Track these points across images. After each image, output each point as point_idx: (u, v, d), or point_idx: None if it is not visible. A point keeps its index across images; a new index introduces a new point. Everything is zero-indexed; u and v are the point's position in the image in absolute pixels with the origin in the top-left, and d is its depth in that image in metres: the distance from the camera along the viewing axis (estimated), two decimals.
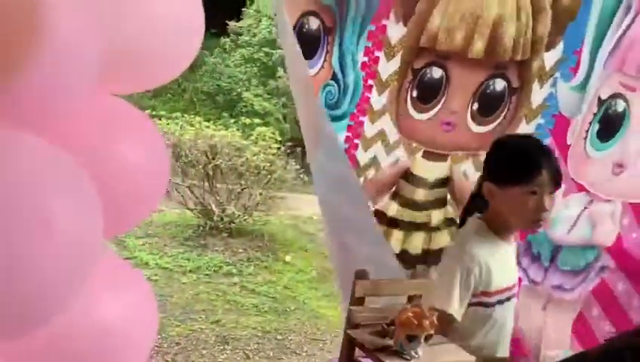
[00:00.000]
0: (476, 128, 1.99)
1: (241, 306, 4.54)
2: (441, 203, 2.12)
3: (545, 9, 1.86)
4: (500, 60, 1.88)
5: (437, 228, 2.12)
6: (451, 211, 2.14)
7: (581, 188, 2.13)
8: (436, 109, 1.95)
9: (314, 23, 1.83)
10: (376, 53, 1.84)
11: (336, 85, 1.92)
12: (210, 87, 10.51)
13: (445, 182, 2.10)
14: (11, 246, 0.74)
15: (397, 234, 2.14)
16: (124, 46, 0.96)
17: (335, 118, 1.97)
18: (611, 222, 2.18)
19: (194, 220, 6.24)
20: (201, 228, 6.06)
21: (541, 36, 1.90)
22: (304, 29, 1.83)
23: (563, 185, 2.04)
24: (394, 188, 2.11)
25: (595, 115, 2.01)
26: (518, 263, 1.89)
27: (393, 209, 2.11)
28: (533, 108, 1.97)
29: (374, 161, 2.04)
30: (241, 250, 5.74)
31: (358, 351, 1.33)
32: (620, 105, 2.01)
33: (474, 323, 1.55)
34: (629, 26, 1.92)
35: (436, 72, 1.89)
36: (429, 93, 1.93)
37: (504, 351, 1.63)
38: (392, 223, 2.13)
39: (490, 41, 1.83)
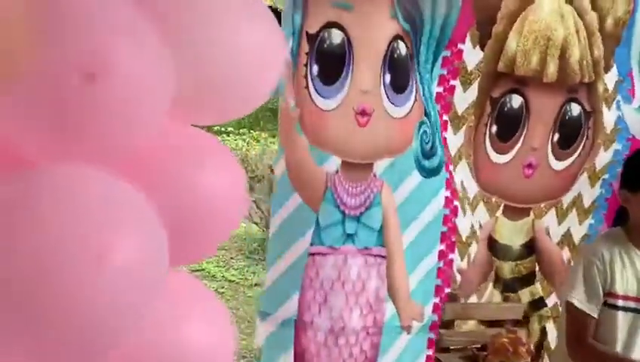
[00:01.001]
0: (557, 165, 1.93)
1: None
2: (529, 280, 1.98)
3: (595, 32, 1.86)
4: (571, 84, 1.86)
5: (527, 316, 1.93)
6: (539, 289, 1.99)
7: None
8: (517, 148, 1.86)
9: (402, 48, 1.69)
10: (452, 82, 1.76)
11: (428, 123, 1.76)
12: (275, 104, 10.70)
13: (530, 248, 1.97)
14: (65, 282, 0.77)
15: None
16: (204, 77, 0.94)
17: (430, 173, 1.78)
18: None
19: (259, 234, 6.37)
20: (266, 241, 6.16)
21: (598, 58, 1.88)
22: (394, 55, 1.68)
23: None
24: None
25: None
26: None
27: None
28: (607, 133, 1.96)
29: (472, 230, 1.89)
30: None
31: None
32: None
33: (606, 325, 1.56)
34: None
35: (516, 101, 1.84)
36: (509, 127, 1.86)
37: None
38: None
39: (561, 63, 1.80)
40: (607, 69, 1.92)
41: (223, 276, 5.38)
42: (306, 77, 1.63)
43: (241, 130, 7.12)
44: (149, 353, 0.95)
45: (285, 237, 1.70)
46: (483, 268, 1.91)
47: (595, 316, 1.55)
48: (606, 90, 1.94)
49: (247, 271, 5.53)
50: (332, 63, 1.65)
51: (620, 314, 1.57)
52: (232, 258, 5.88)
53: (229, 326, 1.15)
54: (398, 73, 1.71)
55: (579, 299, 1.54)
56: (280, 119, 1.68)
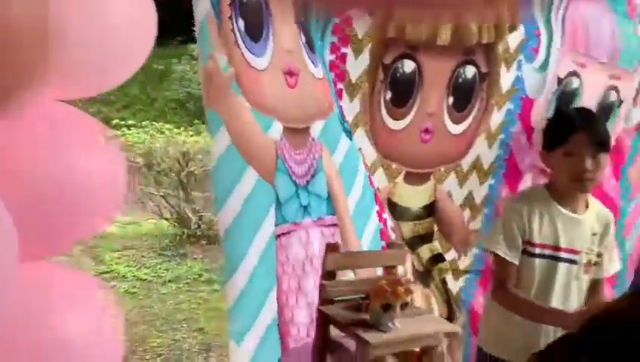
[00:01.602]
0: (454, 128, 1.91)
1: (224, 313, 4.49)
2: (428, 238, 2.00)
3: None
4: (467, 45, 1.83)
5: (429, 271, 2.01)
6: (438, 246, 2.02)
7: (543, 172, 2.14)
8: (412, 113, 1.83)
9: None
10: (343, 50, 1.69)
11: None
12: (181, 95, 10.42)
13: (430, 210, 1.97)
14: None
15: (419, 291, 1.95)
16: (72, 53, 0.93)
17: (351, 135, 1.75)
18: None
19: (171, 230, 6.16)
20: (179, 237, 6.00)
21: (502, 18, 1.86)
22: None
23: (530, 174, 2.07)
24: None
25: (553, 94, 2.04)
26: None
27: None
28: (502, 94, 1.95)
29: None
30: (225, 282, 5.66)
31: (333, 329, 1.26)
32: (575, 83, 2.06)
33: (525, 271, 1.75)
34: (566, 7, 1.97)
35: (408, 66, 1.79)
36: (403, 93, 1.81)
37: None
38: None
39: (457, 25, 1.77)
40: (512, 29, 1.91)
41: (134, 276, 5.19)
42: (233, 31, 1.42)
43: (143, 123, 6.83)
44: (20, 342, 0.90)
45: (244, 227, 1.47)
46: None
47: (516, 263, 1.74)
48: (507, 50, 1.93)
49: (159, 269, 5.36)
50: (254, 18, 1.48)
51: (537, 260, 1.75)
52: (143, 256, 5.68)
53: (108, 315, 1.06)
54: (309, 37, 1.63)
55: (501, 249, 1.75)
56: (206, 84, 1.40)
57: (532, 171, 2.09)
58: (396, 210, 1.92)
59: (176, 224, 6.07)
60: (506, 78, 1.95)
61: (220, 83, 1.38)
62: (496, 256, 1.78)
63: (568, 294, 1.77)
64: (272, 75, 1.52)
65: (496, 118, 1.97)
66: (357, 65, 1.73)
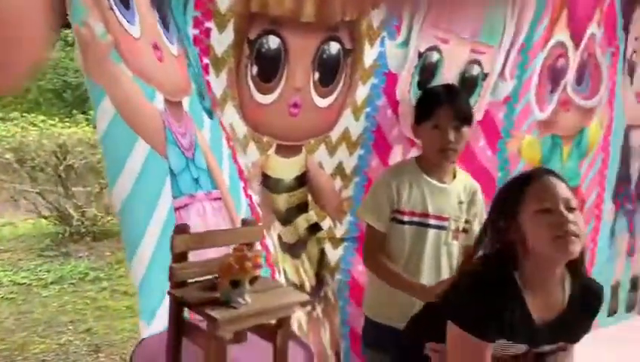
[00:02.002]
0: (321, 102, 1.97)
1: (114, 311, 4.33)
2: (303, 208, 2.05)
3: None
4: (330, 22, 1.89)
5: (303, 243, 2.06)
6: (314, 216, 2.08)
7: (412, 143, 2.25)
8: (280, 88, 1.86)
9: None
10: (207, 24, 1.67)
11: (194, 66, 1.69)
12: (56, 84, 9.73)
13: (302, 180, 2.02)
14: None
15: (289, 262, 2.01)
16: None
17: (210, 114, 1.72)
18: None
19: (50, 228, 5.80)
20: (60, 235, 5.66)
21: None
22: None
23: (400, 146, 2.18)
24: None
25: (415, 67, 2.16)
26: None
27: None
28: (366, 69, 2.04)
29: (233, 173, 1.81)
30: (108, 253, 5.45)
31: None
32: (435, 57, 2.19)
33: (396, 237, 1.86)
34: None
35: (273, 42, 1.81)
36: (270, 68, 1.83)
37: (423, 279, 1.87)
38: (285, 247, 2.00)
39: (319, 2, 1.81)
40: (376, 5, 1.98)
41: (10, 280, 4.83)
42: None
43: (11, 115, 6.32)
44: None
45: (140, 200, 1.39)
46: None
47: (383, 231, 1.87)
48: (370, 27, 2.01)
49: (40, 271, 5.02)
50: None
51: (407, 227, 1.86)
52: (20, 259, 5.30)
53: None
54: (163, 13, 1.57)
55: (370, 218, 1.88)
56: (82, 53, 1.28)
57: (401, 143, 2.21)
58: (270, 182, 1.95)
59: (56, 222, 5.72)
60: (369, 54, 2.04)
61: (98, 51, 1.30)
62: (368, 225, 1.90)
63: (439, 258, 1.88)
64: (146, 44, 1.47)
65: (362, 92, 2.06)
66: (222, 40, 1.73)
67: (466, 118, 1.87)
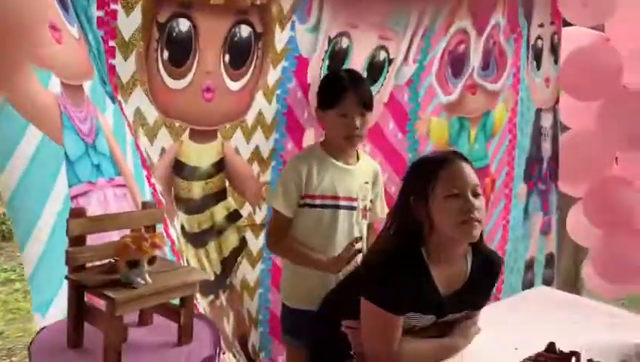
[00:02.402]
0: (233, 85, 1.97)
1: (28, 312, 4.14)
2: (221, 195, 2.04)
3: None
4: (241, 5, 1.91)
5: (222, 231, 2.05)
6: (233, 203, 2.08)
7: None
8: (192, 72, 1.84)
9: None
10: (113, 6, 1.63)
11: (94, 49, 1.64)
12: None
13: (219, 166, 2.00)
14: None
15: (191, 253, 1.96)
16: None
17: (113, 99, 1.66)
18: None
19: None
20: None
21: None
22: None
23: (313, 128, 2.22)
24: (173, 191, 1.88)
25: (326, 52, 2.22)
26: None
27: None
28: (277, 53, 2.08)
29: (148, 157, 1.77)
30: (19, 254, 5.17)
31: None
32: (345, 42, 2.26)
33: (310, 221, 1.90)
34: None
35: (183, 25, 1.80)
36: (180, 52, 1.81)
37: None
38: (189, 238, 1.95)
39: None
40: None
41: None
42: None
43: None
44: None
45: (32, 189, 1.33)
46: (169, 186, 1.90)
47: (290, 216, 1.91)
48: (281, 11, 2.04)
49: None
50: None
51: (320, 210, 1.91)
52: None
53: None
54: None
55: (279, 204, 1.90)
56: None
57: (313, 125, 2.25)
58: (185, 170, 1.93)
59: None
60: (280, 38, 2.07)
61: None
62: (274, 211, 1.93)
63: (352, 237, 1.93)
64: (41, 27, 1.42)
65: (273, 75, 2.09)
66: (129, 23, 1.70)
67: (369, 105, 1.94)
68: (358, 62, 2.30)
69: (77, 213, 1.19)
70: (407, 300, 1.44)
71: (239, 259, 2.12)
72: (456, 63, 2.68)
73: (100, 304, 1.14)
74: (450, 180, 1.45)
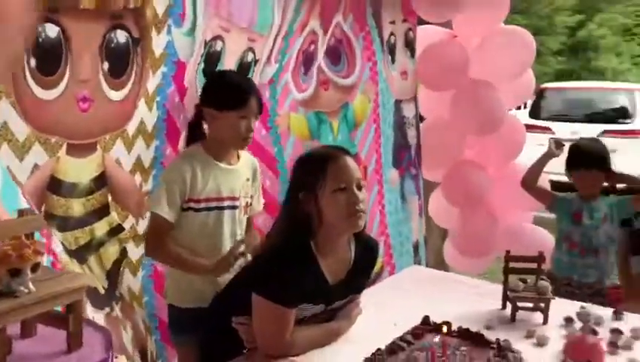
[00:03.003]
0: (114, 95, 1.88)
1: None
2: (104, 211, 1.94)
3: None
4: (114, 9, 1.81)
5: (102, 244, 1.94)
6: (116, 217, 1.98)
7: None
8: (64, 81, 1.71)
9: None
10: None
11: None
12: None
13: (101, 181, 1.90)
14: None
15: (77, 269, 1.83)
16: None
17: None
18: None
19: None
20: None
21: None
22: None
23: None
24: (43, 208, 1.74)
25: (202, 56, 2.20)
26: None
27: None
28: (156, 58, 2.01)
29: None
30: None
31: None
32: (219, 45, 2.27)
33: (194, 225, 1.86)
34: None
35: (51, 30, 1.67)
36: (49, 60, 1.67)
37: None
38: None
39: None
40: None
41: None
42: None
43: None
44: None
45: None
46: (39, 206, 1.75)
47: (171, 221, 1.84)
48: (156, 15, 1.97)
49: None
50: None
51: (204, 213, 1.88)
52: None
53: None
54: None
55: (161, 210, 1.82)
56: None
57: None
58: (62, 187, 1.80)
59: None
60: (158, 43, 2.01)
61: None
62: (155, 215, 1.85)
63: (235, 235, 1.95)
64: None
65: (153, 81, 2.02)
66: None
67: (262, 111, 1.99)
68: (228, 65, 2.32)
69: None
70: (299, 293, 1.50)
71: (121, 269, 2.04)
72: (307, 62, 2.80)
73: None
74: (339, 174, 1.52)
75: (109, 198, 1.95)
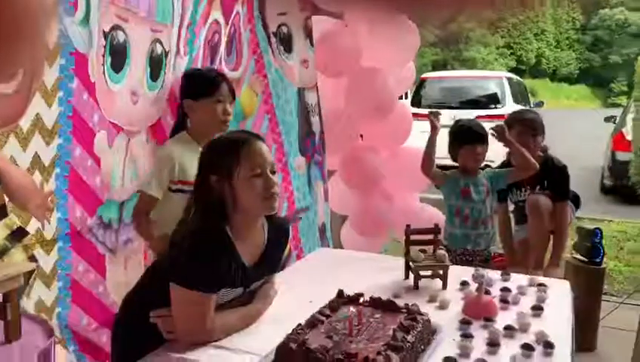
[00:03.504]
0: (3, 88, 1.70)
1: None
2: (1, 212, 1.79)
3: None
4: None
5: (5, 250, 1.79)
6: (16, 219, 1.83)
7: (118, 128, 2.22)
8: None
9: None
10: None
11: None
12: None
13: None
14: None
15: None
16: None
17: None
18: (145, 153, 2.38)
19: None
20: None
21: None
22: None
23: (104, 131, 2.12)
24: None
25: (104, 47, 2.10)
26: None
27: None
28: (50, 49, 1.88)
29: None
30: None
31: None
32: (121, 36, 2.18)
33: (174, 208, 1.85)
34: None
35: None
36: None
37: None
38: None
39: None
40: None
41: None
42: None
43: None
44: None
45: None
46: None
47: (158, 196, 2.08)
48: None
49: None
50: None
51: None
52: None
53: None
54: None
55: (148, 188, 2.09)
56: None
57: (106, 127, 2.13)
58: None
59: None
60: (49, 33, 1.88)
61: None
62: (141, 193, 2.11)
63: None
64: None
65: (51, 74, 1.89)
66: None
67: (235, 95, 2.27)
68: (138, 57, 2.23)
69: None
70: (218, 278, 1.50)
71: (31, 280, 1.90)
72: (213, 54, 2.78)
73: None
74: (253, 160, 1.54)
75: (6, 199, 1.81)
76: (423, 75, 9.38)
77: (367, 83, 3.55)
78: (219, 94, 2.16)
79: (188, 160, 2.04)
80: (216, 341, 1.51)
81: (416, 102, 8.59)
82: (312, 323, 1.46)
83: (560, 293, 1.95)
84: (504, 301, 1.79)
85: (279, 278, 1.85)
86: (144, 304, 1.61)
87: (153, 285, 1.62)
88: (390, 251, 4.06)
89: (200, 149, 1.95)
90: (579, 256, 3.36)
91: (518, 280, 2.04)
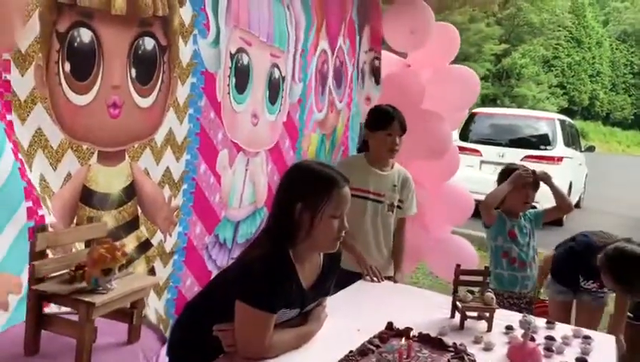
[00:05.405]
0: (142, 102, 1.81)
1: None
2: (134, 224, 1.86)
3: None
4: (143, 16, 1.77)
5: (130, 261, 1.84)
6: (145, 232, 1.89)
7: (238, 148, 2.27)
8: (97, 86, 1.65)
9: None
10: None
11: None
12: None
13: (130, 192, 1.82)
14: None
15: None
16: None
17: None
18: (263, 176, 2.43)
19: None
20: None
21: None
22: None
23: (226, 150, 2.15)
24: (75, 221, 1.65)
25: (230, 68, 2.16)
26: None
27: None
28: (184, 67, 1.95)
29: (44, 184, 1.53)
30: None
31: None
32: (245, 59, 2.24)
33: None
34: None
35: (85, 35, 1.60)
36: (84, 64, 1.61)
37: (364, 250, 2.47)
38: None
39: None
40: (181, 4, 1.90)
41: None
42: None
43: None
44: None
45: None
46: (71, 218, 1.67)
47: None
48: (182, 24, 1.92)
49: None
50: None
51: (353, 199, 1.83)
52: None
53: None
54: None
55: None
56: None
57: (227, 147, 2.17)
58: (95, 198, 1.71)
59: None
60: (185, 52, 1.96)
61: None
62: None
63: (376, 224, 2.54)
64: None
65: (182, 91, 1.96)
66: (25, 33, 1.46)
67: (405, 130, 2.54)
68: (259, 80, 2.29)
69: (41, 228, 1.31)
70: (280, 299, 1.54)
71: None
72: (323, 82, 2.84)
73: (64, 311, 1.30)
74: (339, 203, 1.59)
75: (139, 211, 1.86)
76: (474, 110, 9.13)
77: (425, 126, 3.47)
78: (390, 129, 2.48)
79: (356, 171, 2.40)
80: (271, 357, 1.54)
81: (464, 136, 8.37)
82: (363, 351, 1.53)
83: (605, 347, 1.92)
84: (548, 349, 1.77)
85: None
86: (208, 311, 1.63)
87: (219, 295, 1.64)
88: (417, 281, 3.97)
89: (370, 167, 2.54)
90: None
91: (562, 329, 2.02)
